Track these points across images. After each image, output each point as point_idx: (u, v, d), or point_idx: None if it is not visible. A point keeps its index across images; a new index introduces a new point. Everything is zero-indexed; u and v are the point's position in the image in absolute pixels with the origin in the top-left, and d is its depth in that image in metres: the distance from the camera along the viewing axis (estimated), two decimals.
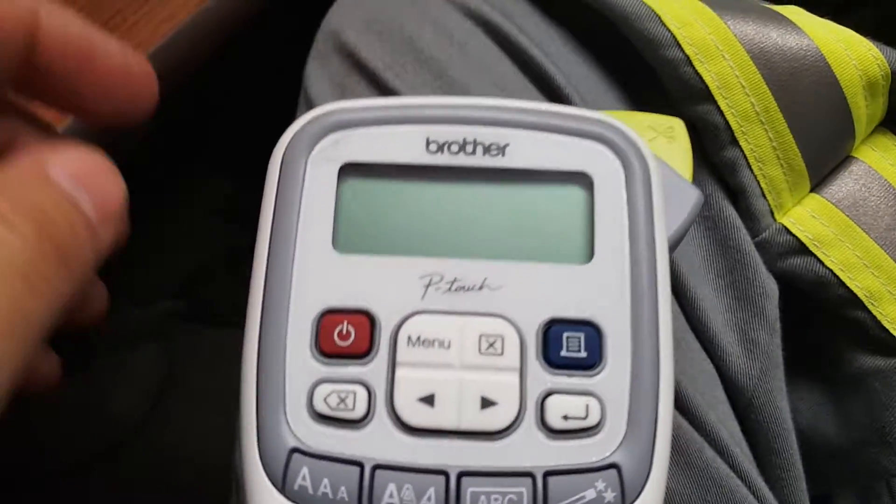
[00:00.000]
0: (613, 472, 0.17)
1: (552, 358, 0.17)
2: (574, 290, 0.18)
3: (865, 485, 0.31)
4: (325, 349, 0.18)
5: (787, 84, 0.28)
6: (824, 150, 0.29)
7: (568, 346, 0.18)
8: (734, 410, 0.29)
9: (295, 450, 0.17)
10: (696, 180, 0.30)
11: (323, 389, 0.17)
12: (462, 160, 0.19)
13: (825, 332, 0.30)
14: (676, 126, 0.23)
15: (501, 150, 0.19)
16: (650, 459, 0.17)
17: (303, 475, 0.17)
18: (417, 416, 0.17)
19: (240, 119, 0.57)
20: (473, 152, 0.19)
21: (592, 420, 0.17)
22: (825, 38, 0.28)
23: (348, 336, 0.18)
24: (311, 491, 0.17)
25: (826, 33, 0.28)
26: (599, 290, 0.18)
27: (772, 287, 0.29)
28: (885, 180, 0.29)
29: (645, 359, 0.17)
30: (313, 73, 0.30)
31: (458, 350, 0.17)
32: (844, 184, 0.29)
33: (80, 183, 0.14)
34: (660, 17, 0.28)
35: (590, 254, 0.18)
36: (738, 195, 0.29)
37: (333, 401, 0.17)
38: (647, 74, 0.29)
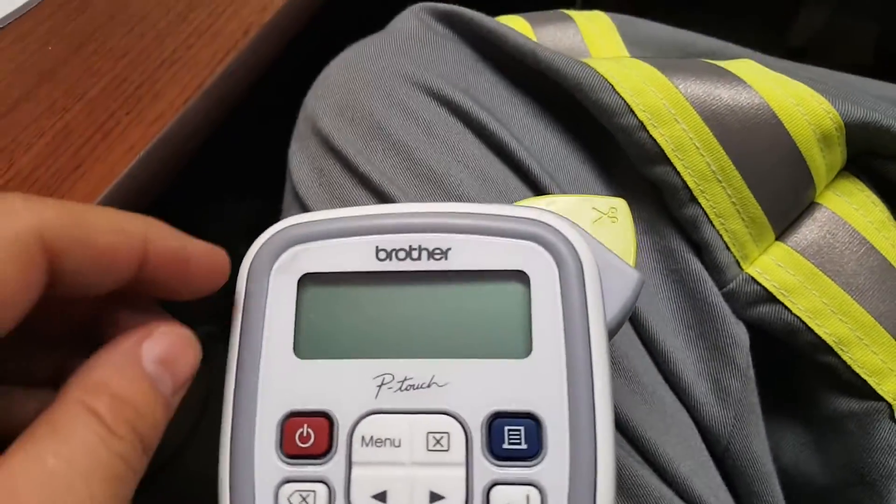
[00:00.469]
0: None
1: (495, 450, 0.19)
2: (514, 384, 0.19)
3: None
4: (289, 451, 0.19)
5: (740, 142, 0.28)
6: (784, 201, 0.30)
7: (509, 438, 0.19)
8: (713, 457, 0.30)
9: None
10: (662, 234, 0.31)
11: (287, 489, 0.19)
12: (409, 265, 0.20)
13: (801, 376, 0.31)
14: (620, 207, 0.24)
15: (444, 253, 0.20)
16: None
17: None
18: None
19: (253, 146, 0.60)
20: (419, 258, 0.20)
21: None
22: (776, 94, 0.29)
23: (308, 438, 0.19)
24: None
25: (776, 89, 0.29)
26: (538, 383, 0.19)
27: (741, 336, 0.29)
28: (850, 226, 0.30)
29: (583, 446, 0.18)
30: (295, 156, 0.32)
31: (409, 448, 0.19)
32: (809, 231, 0.30)
33: (164, 367, 0.17)
34: (613, 86, 0.29)
35: (528, 348, 0.19)
36: (702, 249, 0.30)
37: (296, 500, 0.19)
38: (609, 136, 0.30)
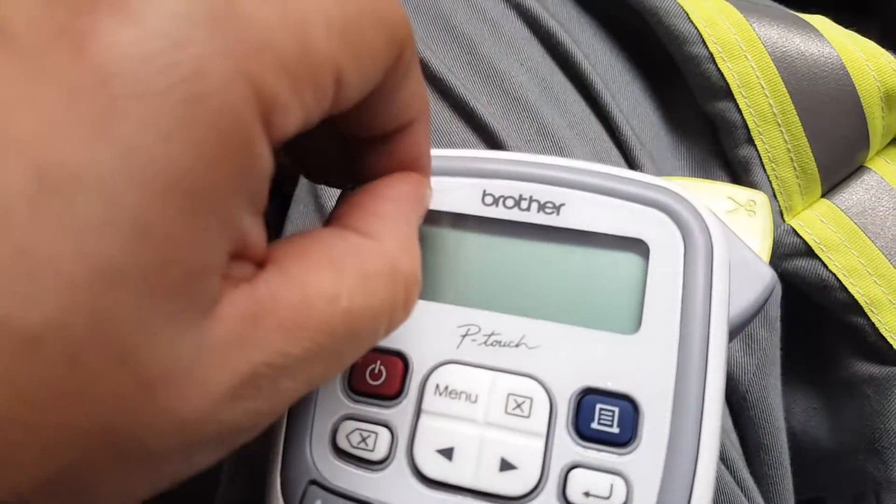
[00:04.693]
0: None
1: (582, 429, 0.17)
2: (615, 361, 0.17)
3: (854, 491, 0.32)
4: (356, 386, 0.18)
5: (805, 88, 0.28)
6: (838, 157, 0.29)
7: (600, 418, 0.17)
8: (728, 404, 0.30)
9: (313, 481, 0.17)
10: (711, 175, 0.31)
11: (347, 426, 0.17)
12: (516, 215, 0.19)
13: (824, 336, 0.31)
14: (759, 200, 0.23)
15: (556, 208, 0.19)
16: None
17: None
18: (434, 468, 0.17)
19: None
20: (528, 209, 0.19)
21: (616, 502, 0.16)
22: (847, 47, 0.29)
23: (380, 376, 0.18)
24: None
25: (848, 43, 0.29)
26: (642, 365, 0.17)
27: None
28: None
29: (683, 444, 0.16)
30: None
31: (485, 406, 0.17)
32: (855, 192, 0.30)
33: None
34: (687, 14, 0.29)
35: (636, 325, 0.17)
36: None
37: (355, 438, 0.17)
38: (672, 69, 0.30)
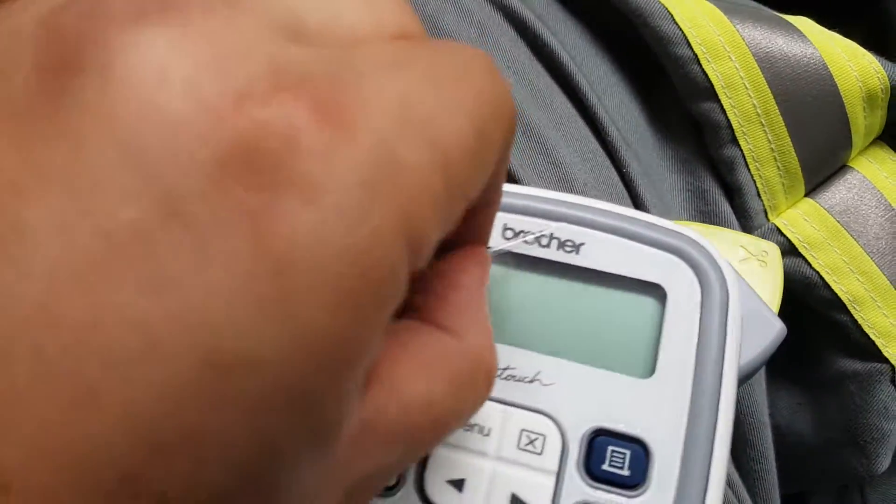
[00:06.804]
0: None
1: (593, 469, 0.17)
2: (628, 404, 0.17)
3: (838, 485, 0.32)
4: None
5: (789, 89, 0.29)
6: (821, 156, 0.30)
7: (611, 460, 0.17)
8: None
9: None
10: (696, 175, 0.31)
11: None
12: (536, 251, 0.19)
13: (808, 333, 0.31)
14: (771, 251, 0.23)
15: (576, 247, 0.19)
16: None
17: None
18: (444, 498, 0.17)
19: None
20: (548, 245, 0.19)
21: None
22: (830, 48, 0.29)
23: None
24: None
25: (831, 44, 0.29)
26: (655, 410, 0.17)
27: None
28: (879, 191, 0.30)
29: (691, 490, 0.17)
30: None
31: (497, 440, 0.17)
32: (838, 191, 0.30)
33: None
34: (672, 16, 0.29)
35: (651, 369, 0.18)
36: (734, 193, 0.30)
37: None
38: (657, 70, 0.30)
